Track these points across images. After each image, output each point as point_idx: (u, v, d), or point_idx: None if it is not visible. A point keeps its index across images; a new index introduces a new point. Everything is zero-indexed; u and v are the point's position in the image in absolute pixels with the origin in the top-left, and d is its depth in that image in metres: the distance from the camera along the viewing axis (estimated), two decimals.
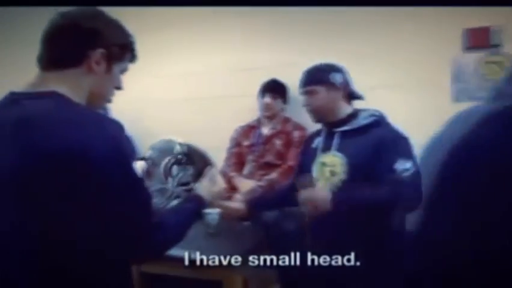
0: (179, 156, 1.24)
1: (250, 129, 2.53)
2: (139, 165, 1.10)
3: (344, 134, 1.67)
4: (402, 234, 1.62)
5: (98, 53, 0.90)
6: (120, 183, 0.83)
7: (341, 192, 1.56)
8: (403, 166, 1.51)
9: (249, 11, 2.65)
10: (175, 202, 1.23)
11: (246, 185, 2.26)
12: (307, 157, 1.76)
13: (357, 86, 2.28)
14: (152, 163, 1.22)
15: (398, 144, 1.57)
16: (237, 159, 2.48)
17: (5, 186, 0.80)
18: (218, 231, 1.97)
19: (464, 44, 2.27)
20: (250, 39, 2.71)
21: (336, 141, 1.67)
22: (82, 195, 0.79)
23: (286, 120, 2.47)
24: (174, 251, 1.72)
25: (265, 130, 2.47)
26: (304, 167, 1.77)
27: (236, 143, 2.53)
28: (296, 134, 2.36)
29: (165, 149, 1.25)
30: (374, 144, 1.57)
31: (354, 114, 1.70)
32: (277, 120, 2.46)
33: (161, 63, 3.01)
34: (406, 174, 1.51)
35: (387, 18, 2.35)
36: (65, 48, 0.91)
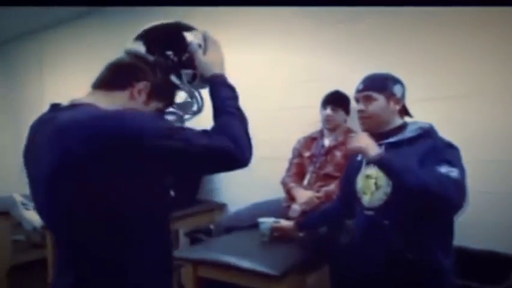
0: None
1: (312, 140, 2.54)
2: None
3: (390, 146, 1.64)
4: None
5: (141, 84, 1.07)
6: (176, 149, 0.93)
7: (389, 154, 1.54)
8: (447, 170, 1.45)
9: (315, 22, 2.68)
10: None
11: (303, 195, 2.29)
12: (352, 170, 1.75)
13: (431, 95, 2.20)
14: None
15: (444, 152, 1.52)
16: (298, 170, 2.51)
17: (50, 184, 0.94)
18: (272, 240, 2.03)
19: None
20: (315, 49, 2.72)
21: None
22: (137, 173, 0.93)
23: (349, 131, 2.44)
24: (228, 258, 1.83)
25: (327, 141, 2.46)
26: (349, 181, 1.76)
27: (298, 154, 2.56)
28: None
29: None
30: (419, 155, 1.53)
31: (402, 127, 1.66)
32: (339, 132, 2.45)
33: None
34: (451, 174, 1.45)
35: (462, 19, 2.21)
36: (117, 75, 1.08)
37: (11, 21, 4.14)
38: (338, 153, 2.38)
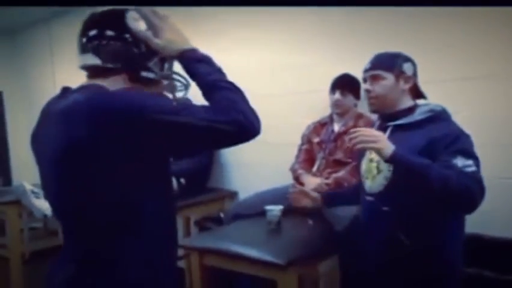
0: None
1: (321, 126, 2.48)
2: None
3: (397, 128, 1.57)
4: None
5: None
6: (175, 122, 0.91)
7: (405, 152, 1.42)
8: (464, 162, 1.38)
9: (320, 8, 2.59)
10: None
11: (312, 182, 2.24)
12: (359, 153, 1.69)
13: (446, 76, 2.11)
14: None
15: (458, 140, 1.43)
16: (307, 156, 2.47)
17: (59, 162, 0.94)
18: (280, 228, 2.00)
19: None
20: (322, 32, 2.64)
21: (387, 135, 1.57)
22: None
23: (359, 116, 2.37)
24: (235, 247, 1.81)
25: (337, 127, 2.40)
26: (357, 164, 1.71)
27: (307, 140, 2.51)
28: None
29: None
30: (427, 141, 1.45)
31: (411, 108, 1.59)
32: (349, 117, 2.38)
33: (232, 61, 3.09)
34: (468, 169, 1.37)
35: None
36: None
37: (20, 9, 4.14)
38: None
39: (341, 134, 2.34)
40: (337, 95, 2.37)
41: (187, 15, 3.20)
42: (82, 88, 1.01)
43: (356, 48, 2.44)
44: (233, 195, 3.11)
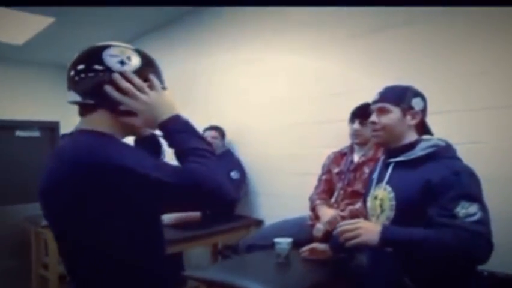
0: None
1: (342, 156, 2.43)
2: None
3: (398, 165, 1.51)
4: None
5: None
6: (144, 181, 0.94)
7: (392, 228, 1.37)
8: (466, 210, 1.29)
9: (345, 36, 2.58)
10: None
11: (327, 214, 2.19)
12: (367, 188, 1.64)
13: (475, 105, 2.01)
14: None
15: (458, 183, 1.33)
16: (326, 187, 2.42)
17: (65, 191, 0.99)
18: (288, 261, 1.96)
19: None
20: (345, 61, 2.62)
21: (389, 172, 1.51)
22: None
23: (379, 146, 2.29)
24: (240, 281, 1.79)
25: (356, 157, 2.34)
26: (364, 200, 1.66)
27: (326, 170, 2.47)
28: None
29: None
30: (426, 180, 1.37)
31: (414, 144, 1.52)
32: (368, 147, 2.32)
33: (257, 91, 3.12)
34: (470, 220, 1.28)
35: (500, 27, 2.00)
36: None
37: (71, 46, 4.48)
38: (367, 170, 2.24)
39: (360, 165, 2.29)
40: (356, 125, 2.32)
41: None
42: (71, 134, 1.08)
43: (379, 77, 2.39)
44: (259, 223, 3.11)
